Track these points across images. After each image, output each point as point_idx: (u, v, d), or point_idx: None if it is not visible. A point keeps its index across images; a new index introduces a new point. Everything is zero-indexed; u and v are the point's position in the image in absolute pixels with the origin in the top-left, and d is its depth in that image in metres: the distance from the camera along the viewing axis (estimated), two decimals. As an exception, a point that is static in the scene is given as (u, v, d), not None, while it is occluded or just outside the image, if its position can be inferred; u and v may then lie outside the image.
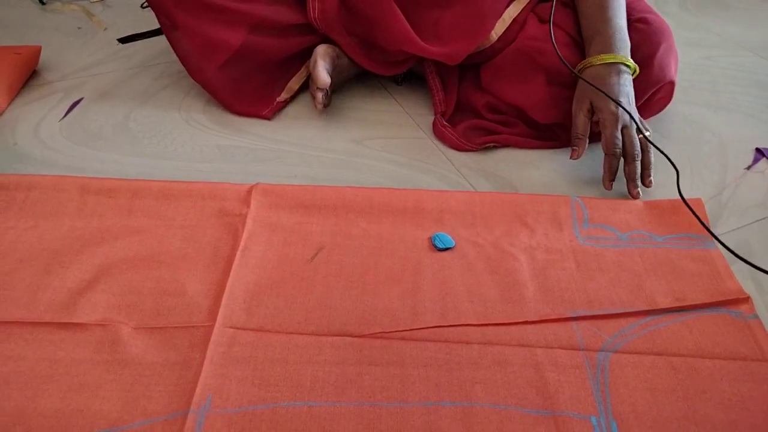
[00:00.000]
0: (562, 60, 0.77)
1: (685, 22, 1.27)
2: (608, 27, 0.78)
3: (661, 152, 0.75)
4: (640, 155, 0.74)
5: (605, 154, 0.75)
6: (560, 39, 0.81)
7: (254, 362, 0.55)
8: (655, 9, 0.87)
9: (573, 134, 0.77)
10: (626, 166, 0.75)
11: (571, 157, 0.76)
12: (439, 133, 0.86)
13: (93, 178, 0.74)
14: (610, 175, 0.75)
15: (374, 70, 0.91)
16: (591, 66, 0.77)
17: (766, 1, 1.39)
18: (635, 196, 0.75)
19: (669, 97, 0.85)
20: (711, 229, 0.70)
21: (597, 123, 0.76)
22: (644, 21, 0.82)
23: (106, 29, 1.14)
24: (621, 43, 0.77)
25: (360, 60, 0.89)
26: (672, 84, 0.83)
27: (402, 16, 0.83)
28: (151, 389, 0.53)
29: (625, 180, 0.75)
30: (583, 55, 0.81)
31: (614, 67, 0.76)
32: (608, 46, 0.77)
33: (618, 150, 0.74)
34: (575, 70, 0.78)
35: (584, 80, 0.76)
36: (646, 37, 0.80)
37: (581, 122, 0.76)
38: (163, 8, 0.83)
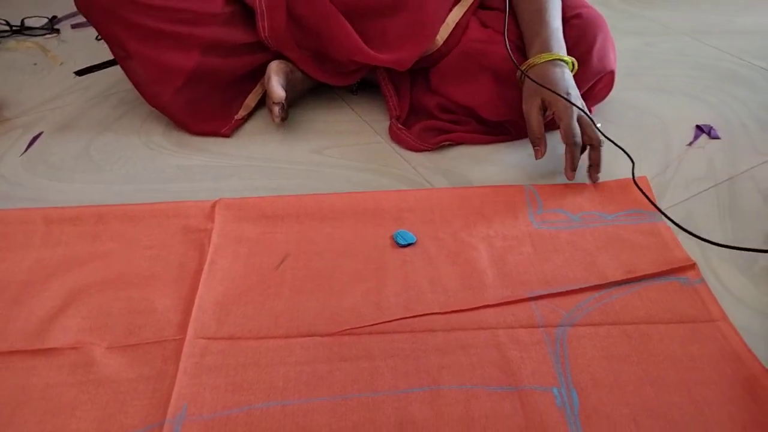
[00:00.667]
0: (512, 59, 0.80)
1: (626, 12, 1.32)
2: (545, 29, 0.81)
3: (613, 143, 0.77)
4: (603, 141, 0.77)
5: (567, 145, 0.76)
6: (500, 42, 0.84)
7: (227, 369, 0.57)
8: (594, 1, 0.91)
9: (531, 135, 0.78)
10: (592, 152, 0.77)
11: (536, 158, 0.78)
12: (395, 137, 0.89)
13: (56, 207, 0.75)
14: (573, 165, 0.76)
15: (328, 82, 0.94)
16: (534, 65, 0.80)
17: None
18: (595, 180, 0.78)
19: (610, 86, 0.89)
20: (657, 204, 0.73)
21: (551, 119, 0.79)
22: (578, 16, 0.85)
23: (62, 63, 1.15)
24: (557, 42, 0.81)
25: (313, 73, 0.92)
26: (612, 73, 0.87)
27: (350, 28, 0.86)
28: (126, 405, 0.54)
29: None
30: (525, 57, 0.84)
31: (554, 63, 0.79)
32: (546, 46, 0.80)
33: (578, 139, 0.75)
34: (521, 71, 0.81)
35: (532, 79, 0.78)
36: (582, 33, 0.84)
37: (535, 121, 0.78)
38: (114, 39, 0.85)
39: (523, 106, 0.80)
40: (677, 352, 0.57)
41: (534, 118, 0.78)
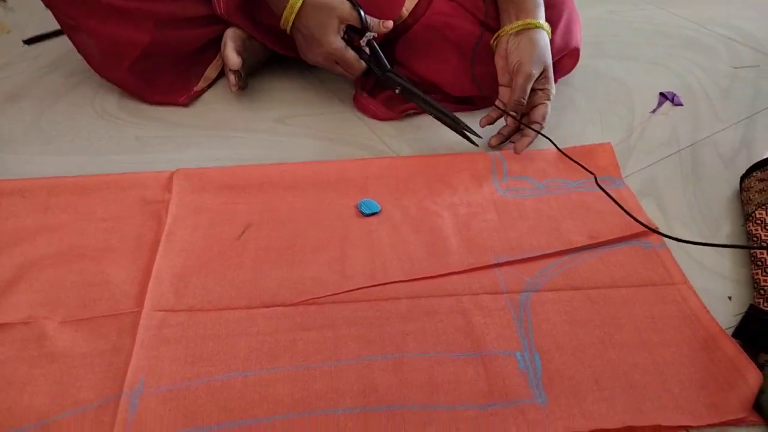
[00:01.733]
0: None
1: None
2: None
3: (540, 133, 0.77)
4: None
5: (514, 110, 0.76)
6: (469, 19, 0.82)
7: (186, 341, 0.55)
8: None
9: (521, 103, 0.75)
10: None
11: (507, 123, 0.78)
12: (360, 105, 0.87)
13: (4, 179, 0.71)
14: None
15: (288, 54, 0.91)
16: (517, 31, 0.76)
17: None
18: (519, 150, 0.76)
19: (575, 61, 0.88)
20: (621, 170, 0.74)
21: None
22: None
23: (9, 32, 1.10)
24: (539, 8, 0.78)
25: (272, 46, 0.89)
26: (576, 50, 0.86)
27: None
28: (81, 379, 0.52)
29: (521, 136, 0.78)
30: (492, 26, 0.81)
31: (538, 30, 0.76)
32: (530, 11, 0.77)
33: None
34: (500, 32, 0.78)
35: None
36: (547, 9, 0.82)
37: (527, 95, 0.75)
38: (61, 12, 0.81)
39: (525, 69, 0.74)
40: (639, 315, 0.58)
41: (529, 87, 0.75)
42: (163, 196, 0.70)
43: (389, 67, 0.80)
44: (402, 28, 0.87)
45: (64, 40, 1.03)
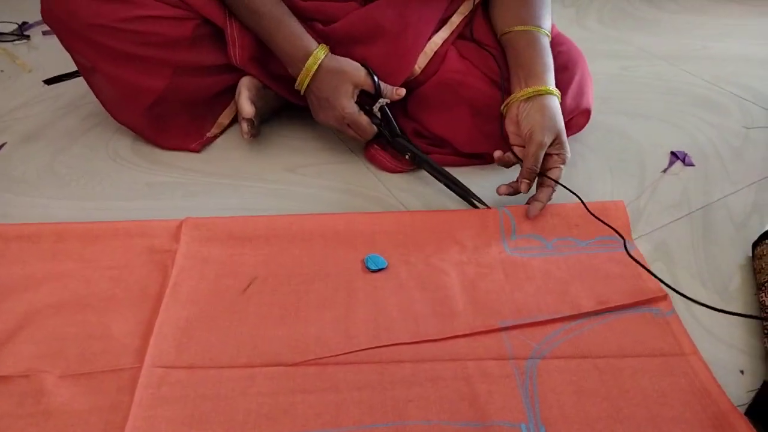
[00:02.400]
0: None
1: (603, 35, 1.33)
2: (538, 60, 0.78)
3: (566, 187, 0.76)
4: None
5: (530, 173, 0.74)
6: (482, 79, 0.83)
7: (184, 401, 0.54)
8: (572, 23, 0.91)
9: (532, 169, 0.74)
10: (544, 188, 0.75)
11: (525, 191, 0.76)
12: (371, 157, 0.88)
13: (14, 224, 0.72)
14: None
15: (301, 104, 0.91)
16: (529, 97, 0.76)
17: (674, 13, 1.48)
18: (533, 213, 0.75)
19: (585, 121, 0.88)
20: (631, 231, 0.73)
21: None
22: (558, 54, 0.83)
23: (31, 71, 1.12)
24: (550, 74, 0.78)
25: (286, 95, 0.90)
26: (588, 111, 0.86)
27: None
28: (76, 438, 0.51)
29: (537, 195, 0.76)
30: (501, 91, 0.81)
31: (550, 96, 0.76)
32: (541, 78, 0.76)
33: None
34: (511, 99, 0.77)
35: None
36: (560, 70, 0.81)
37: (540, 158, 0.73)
38: (80, 56, 0.82)
39: (536, 137, 0.73)
40: (648, 388, 0.56)
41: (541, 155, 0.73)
42: (171, 245, 0.70)
43: (400, 132, 0.82)
44: (414, 84, 0.88)
45: (84, 82, 1.05)
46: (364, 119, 0.80)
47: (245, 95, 0.85)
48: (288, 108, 0.96)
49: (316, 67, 0.77)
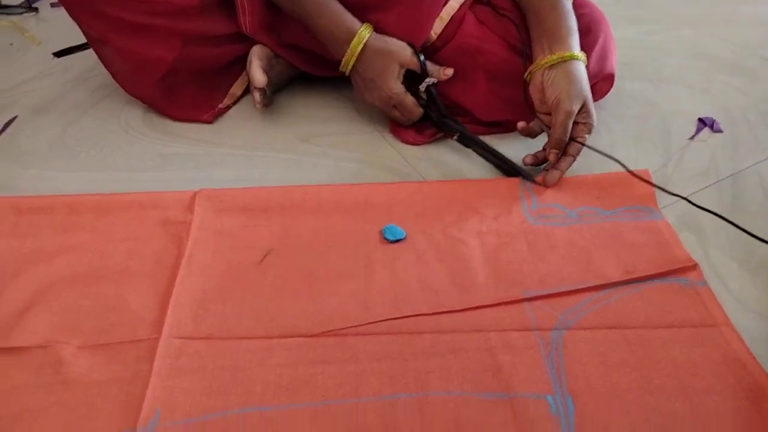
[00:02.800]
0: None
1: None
2: (562, 23, 0.75)
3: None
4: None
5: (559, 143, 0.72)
6: (500, 44, 0.80)
7: (203, 371, 0.53)
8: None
9: (563, 141, 0.71)
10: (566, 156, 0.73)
11: (552, 161, 0.73)
12: (394, 129, 0.85)
13: (26, 196, 0.71)
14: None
15: (314, 72, 0.89)
16: (563, 61, 0.73)
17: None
18: (550, 181, 0.73)
19: (609, 86, 0.85)
20: (659, 198, 0.70)
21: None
22: (581, 16, 0.79)
23: (39, 44, 1.11)
24: (575, 38, 0.75)
25: (298, 64, 0.87)
26: (611, 75, 0.83)
27: None
28: (96, 408, 0.51)
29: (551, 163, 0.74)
30: (521, 57, 0.78)
31: (575, 62, 0.73)
32: (565, 43, 0.74)
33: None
34: (534, 67, 0.74)
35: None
36: (583, 33, 0.78)
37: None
38: (88, 27, 0.81)
39: (564, 106, 0.71)
40: (678, 359, 0.54)
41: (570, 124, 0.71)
42: (185, 217, 0.68)
43: (446, 113, 0.79)
44: (431, 50, 0.85)
45: (93, 53, 1.03)
46: (410, 100, 0.78)
47: (257, 64, 0.83)
48: (301, 77, 0.93)
49: (361, 47, 0.75)
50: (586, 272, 0.63)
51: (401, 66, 0.77)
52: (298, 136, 0.85)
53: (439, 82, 0.81)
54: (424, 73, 0.78)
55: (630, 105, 0.91)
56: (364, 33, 0.75)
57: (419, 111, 0.80)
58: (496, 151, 0.77)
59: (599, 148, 0.73)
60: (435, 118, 0.80)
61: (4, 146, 0.83)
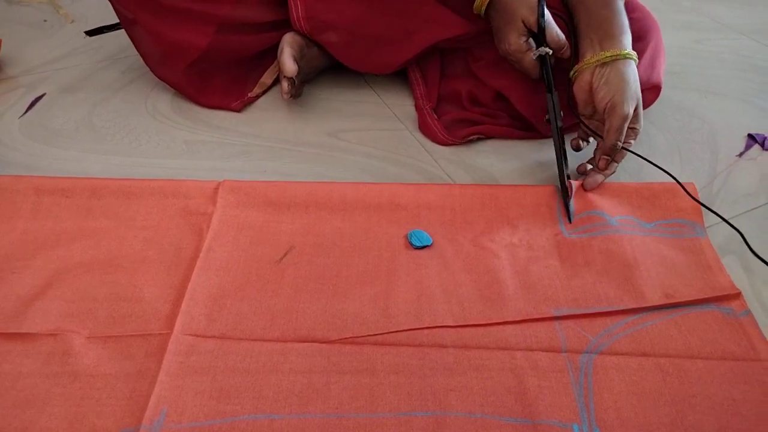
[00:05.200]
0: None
1: (678, 4, 1.23)
2: (615, 20, 0.71)
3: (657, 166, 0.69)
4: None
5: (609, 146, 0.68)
6: (561, 27, 0.75)
7: (213, 372, 0.51)
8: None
9: (617, 146, 0.68)
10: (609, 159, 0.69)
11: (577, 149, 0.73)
12: (422, 124, 0.82)
13: (49, 177, 0.70)
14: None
15: (348, 64, 0.86)
16: (616, 60, 0.68)
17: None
18: (590, 186, 0.70)
19: (655, 96, 0.81)
20: (703, 217, 0.66)
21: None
22: (632, 21, 0.76)
23: (73, 21, 1.10)
24: (627, 36, 0.71)
25: (334, 54, 0.85)
26: (658, 87, 0.79)
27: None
28: (101, 404, 0.49)
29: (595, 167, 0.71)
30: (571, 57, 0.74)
31: (627, 62, 0.69)
32: (617, 42, 0.69)
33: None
34: (584, 64, 0.70)
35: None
36: (635, 41, 0.73)
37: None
38: (121, 2, 0.79)
39: (619, 110, 0.66)
40: (717, 395, 0.51)
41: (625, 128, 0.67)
42: (207, 208, 0.66)
43: (554, 90, 0.72)
44: (474, 33, 0.81)
45: (125, 34, 1.02)
46: (528, 59, 0.73)
47: (288, 52, 0.80)
48: (332, 69, 0.91)
49: None
50: (624, 292, 0.59)
51: (524, 22, 0.72)
52: (326, 130, 0.82)
53: (482, 71, 0.78)
54: (542, 39, 0.72)
55: (675, 116, 0.86)
56: None
57: (536, 73, 0.74)
58: (566, 152, 0.71)
59: (641, 161, 0.69)
60: (546, 87, 0.73)
61: (31, 124, 0.82)
